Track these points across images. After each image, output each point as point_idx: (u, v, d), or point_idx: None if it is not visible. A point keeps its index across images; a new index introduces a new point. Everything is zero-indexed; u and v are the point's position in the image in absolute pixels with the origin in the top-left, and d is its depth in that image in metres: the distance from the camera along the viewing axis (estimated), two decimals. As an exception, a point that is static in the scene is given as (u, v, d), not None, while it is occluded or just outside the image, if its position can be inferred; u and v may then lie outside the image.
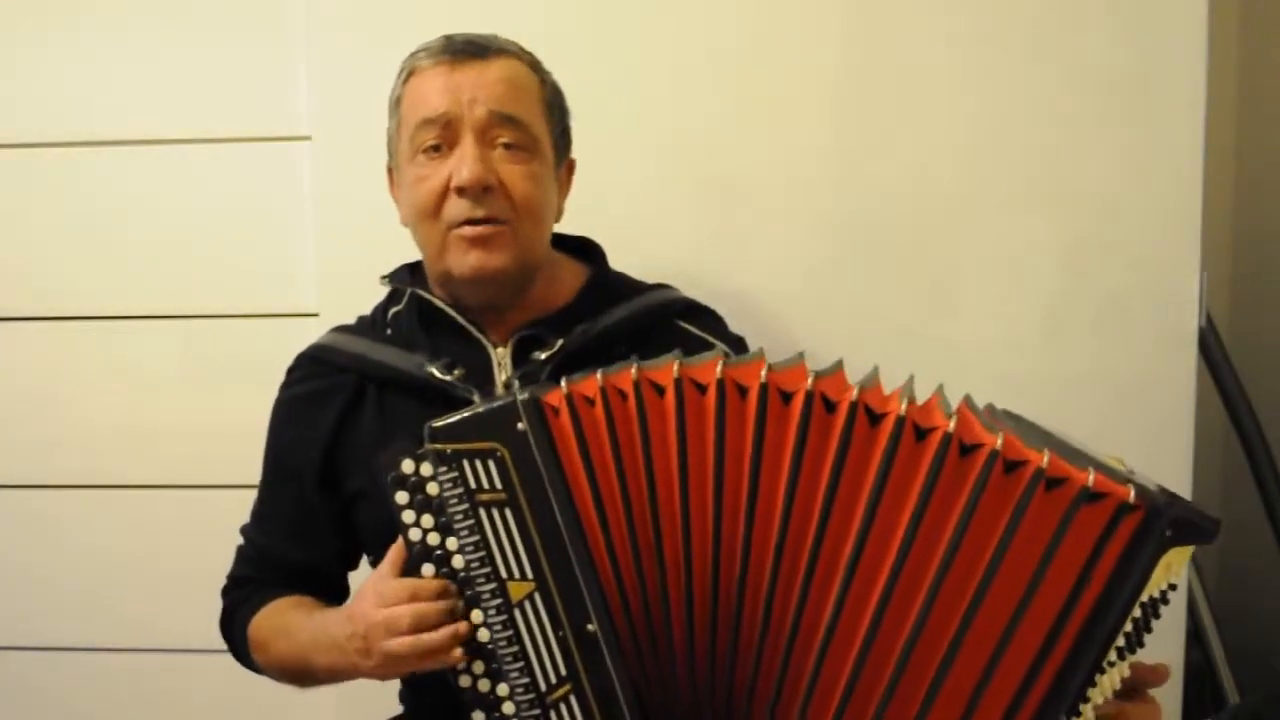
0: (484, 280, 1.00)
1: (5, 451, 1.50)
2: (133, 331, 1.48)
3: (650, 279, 1.15)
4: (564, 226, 1.13)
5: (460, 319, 1.05)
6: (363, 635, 0.89)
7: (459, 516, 0.85)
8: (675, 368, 0.82)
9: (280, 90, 1.43)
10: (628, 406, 0.83)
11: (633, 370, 0.83)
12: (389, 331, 1.09)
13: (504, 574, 0.85)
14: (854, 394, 0.79)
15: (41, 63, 1.45)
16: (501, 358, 1.05)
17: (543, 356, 1.02)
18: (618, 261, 1.15)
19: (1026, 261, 1.32)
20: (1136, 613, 0.77)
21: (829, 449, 0.80)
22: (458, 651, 0.85)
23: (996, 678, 0.77)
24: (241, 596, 1.11)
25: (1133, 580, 0.75)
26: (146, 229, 1.46)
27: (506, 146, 1.00)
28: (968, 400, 0.83)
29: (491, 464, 0.84)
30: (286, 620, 1.04)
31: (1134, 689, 0.82)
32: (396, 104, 1.04)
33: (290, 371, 1.13)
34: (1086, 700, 0.78)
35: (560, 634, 0.84)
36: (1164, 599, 0.80)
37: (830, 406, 0.80)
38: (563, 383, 0.84)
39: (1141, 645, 0.79)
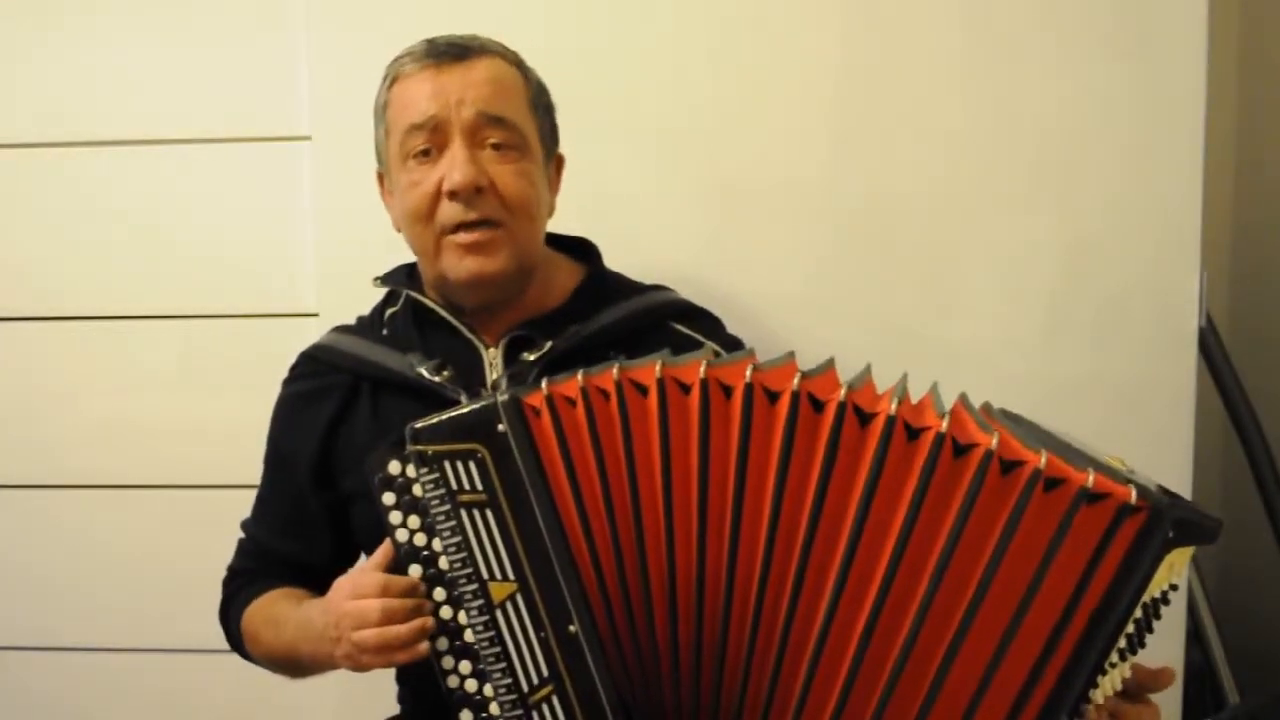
0: (481, 285, 1.01)
1: (5, 451, 1.50)
2: (133, 331, 1.48)
3: (649, 280, 1.15)
4: (563, 226, 1.13)
5: (452, 320, 1.05)
6: (334, 624, 0.90)
7: (441, 517, 0.85)
8: (658, 367, 0.81)
9: (280, 90, 1.43)
10: (610, 407, 0.82)
11: (615, 370, 0.82)
12: (385, 332, 1.10)
13: (486, 575, 0.85)
14: (842, 394, 0.78)
15: (42, 63, 1.45)
16: (493, 358, 1.05)
17: (531, 358, 1.02)
18: (616, 262, 1.15)
19: (1026, 261, 1.31)
20: (1138, 613, 0.76)
21: (817, 450, 0.79)
22: (424, 646, 0.86)
23: (995, 684, 0.76)
24: (238, 588, 1.13)
25: (1135, 582, 0.74)
26: (146, 229, 1.46)
27: (496, 147, 1.00)
28: (963, 399, 0.82)
29: (472, 465, 0.84)
30: (276, 611, 1.05)
31: (1136, 691, 0.81)
32: (383, 110, 1.04)
33: (291, 369, 1.14)
34: (1089, 701, 0.77)
35: (542, 635, 0.84)
36: (1165, 599, 0.79)
37: (818, 406, 0.79)
38: (543, 383, 0.84)
39: (1143, 645, 0.79)
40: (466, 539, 0.85)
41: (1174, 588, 0.79)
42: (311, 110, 1.39)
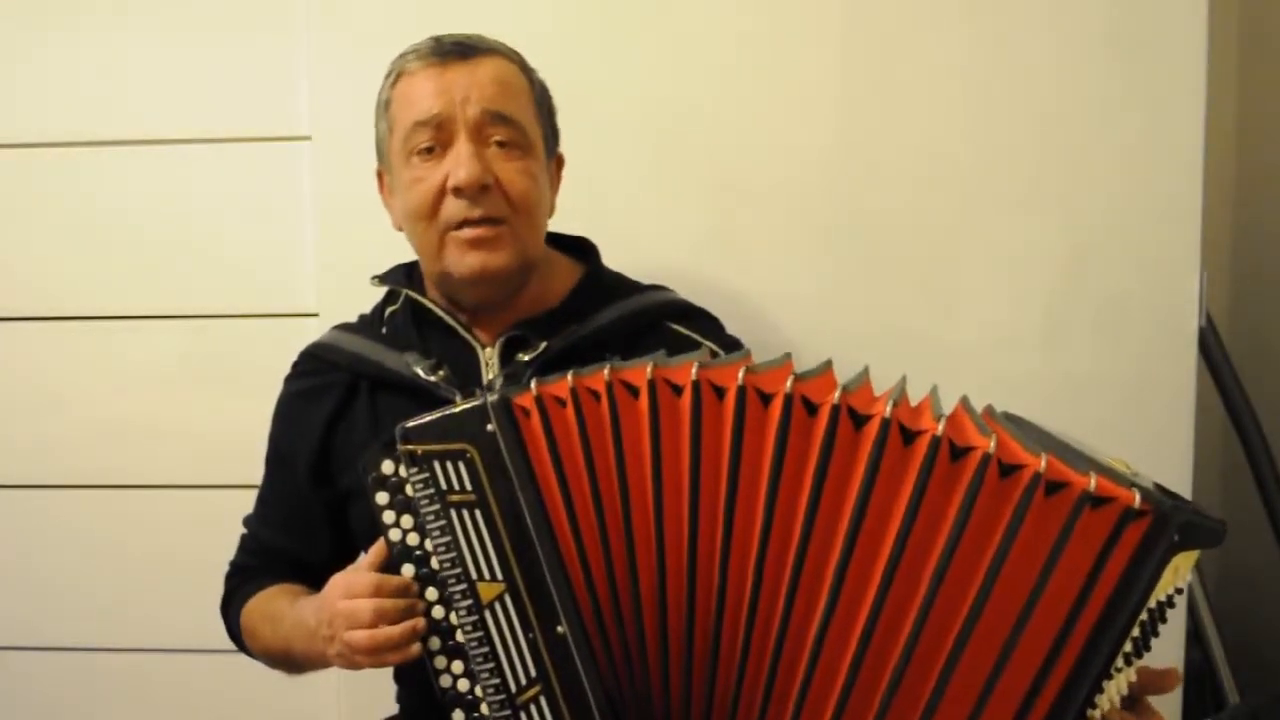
0: (485, 280, 1.01)
1: (5, 451, 1.50)
2: (133, 331, 1.48)
3: (649, 280, 1.15)
4: (563, 226, 1.13)
5: (450, 319, 1.05)
6: (328, 624, 0.90)
7: (430, 517, 0.85)
8: (649, 368, 0.80)
9: (280, 90, 1.43)
10: (600, 408, 0.82)
11: (606, 371, 0.82)
12: (385, 330, 1.10)
13: (474, 575, 0.84)
14: (836, 396, 0.77)
15: (42, 63, 1.45)
16: (489, 358, 1.05)
17: (527, 358, 1.02)
18: (615, 262, 1.15)
19: (1026, 261, 1.31)
20: (1143, 618, 0.74)
21: (811, 453, 0.77)
22: (415, 647, 0.85)
23: (997, 692, 0.74)
24: (238, 583, 1.13)
25: (1140, 587, 0.71)
26: (146, 229, 1.46)
27: (500, 145, 1.00)
28: (964, 402, 0.81)
29: (461, 465, 0.84)
30: (273, 608, 1.05)
31: (1140, 695, 0.80)
32: (385, 107, 1.04)
33: (293, 367, 1.15)
34: (1094, 707, 0.75)
35: (530, 635, 0.83)
36: (1170, 603, 0.77)
37: (812, 409, 0.77)
38: (533, 384, 0.83)
39: (1148, 649, 0.77)
40: (456, 539, 0.84)
41: (1179, 591, 0.78)
42: (311, 110, 1.39)
